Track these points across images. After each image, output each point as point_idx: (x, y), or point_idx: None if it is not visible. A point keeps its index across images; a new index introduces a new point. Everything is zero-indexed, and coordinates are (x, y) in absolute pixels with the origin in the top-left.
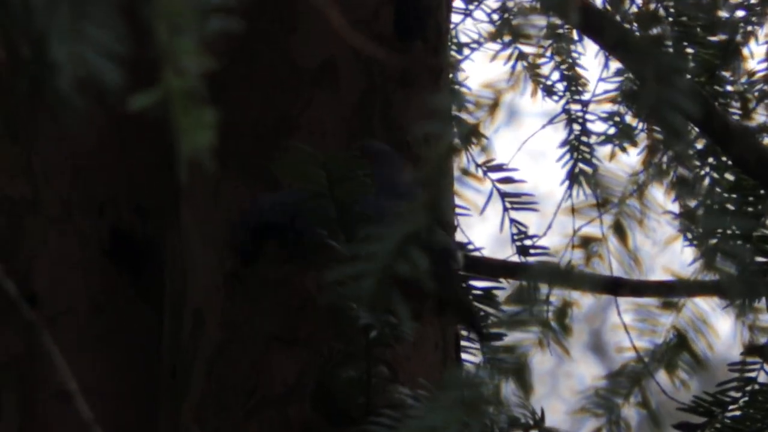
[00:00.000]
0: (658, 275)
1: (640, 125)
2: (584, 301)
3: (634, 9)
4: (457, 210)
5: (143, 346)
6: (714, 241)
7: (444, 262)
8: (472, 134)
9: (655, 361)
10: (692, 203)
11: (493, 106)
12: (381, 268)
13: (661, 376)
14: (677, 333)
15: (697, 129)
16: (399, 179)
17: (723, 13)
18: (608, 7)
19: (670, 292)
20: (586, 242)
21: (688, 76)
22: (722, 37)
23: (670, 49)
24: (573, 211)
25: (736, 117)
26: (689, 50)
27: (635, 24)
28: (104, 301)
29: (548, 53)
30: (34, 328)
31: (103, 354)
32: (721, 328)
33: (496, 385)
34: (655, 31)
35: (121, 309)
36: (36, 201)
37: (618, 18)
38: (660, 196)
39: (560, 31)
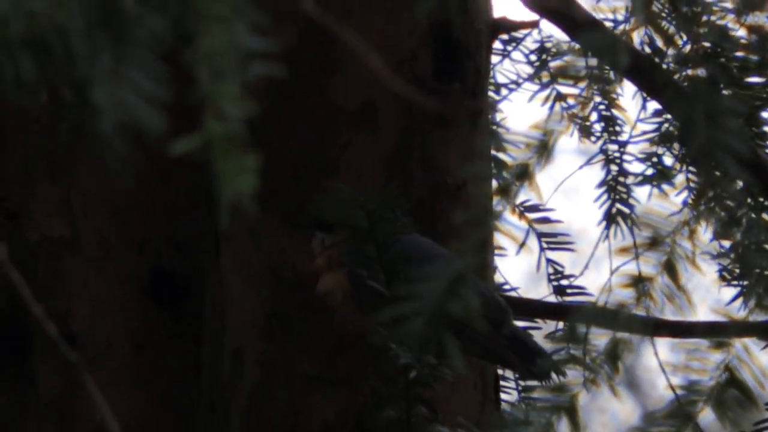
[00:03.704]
0: (698, 315)
1: (678, 166)
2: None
3: (675, 51)
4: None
5: (183, 384)
6: (756, 279)
7: (495, 306)
8: (521, 177)
9: (700, 399)
10: (733, 242)
11: (542, 148)
12: (432, 308)
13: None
14: (727, 370)
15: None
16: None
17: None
18: (649, 50)
19: (712, 332)
20: (635, 281)
21: (736, 117)
22: (763, 77)
23: (717, 90)
24: (612, 252)
25: None
26: (727, 91)
27: (677, 65)
28: (144, 340)
29: (588, 94)
30: (75, 367)
31: (142, 392)
32: (762, 366)
33: (549, 423)
34: (701, 71)
35: (161, 347)
36: (75, 240)
37: (661, 60)
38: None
39: (604, 73)
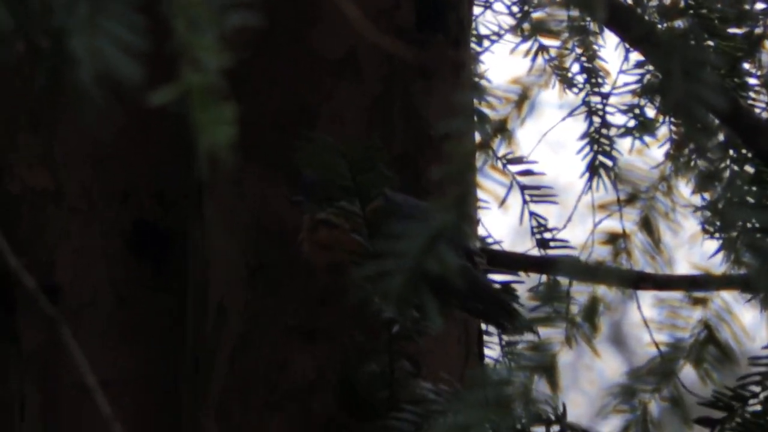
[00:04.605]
0: (682, 269)
1: (661, 118)
2: (605, 294)
3: (657, 1)
4: (479, 203)
5: (166, 337)
6: (736, 234)
7: (468, 260)
8: (498, 130)
9: (681, 356)
10: (713, 196)
11: (520, 102)
12: (411, 266)
13: (682, 370)
14: (705, 327)
15: (721, 122)
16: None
17: (745, 5)
18: (631, 1)
19: (695, 286)
20: (612, 238)
21: (713, 70)
22: (742, 29)
23: (695, 43)
24: (594, 207)
25: (758, 110)
26: (709, 42)
27: (658, 17)
28: (127, 292)
29: (569, 46)
30: (54, 320)
31: (126, 345)
32: (743, 321)
33: (525, 384)
34: (679, 24)
35: (144, 300)
36: (58, 192)
37: (642, 11)
38: (683, 189)
39: (583, 24)
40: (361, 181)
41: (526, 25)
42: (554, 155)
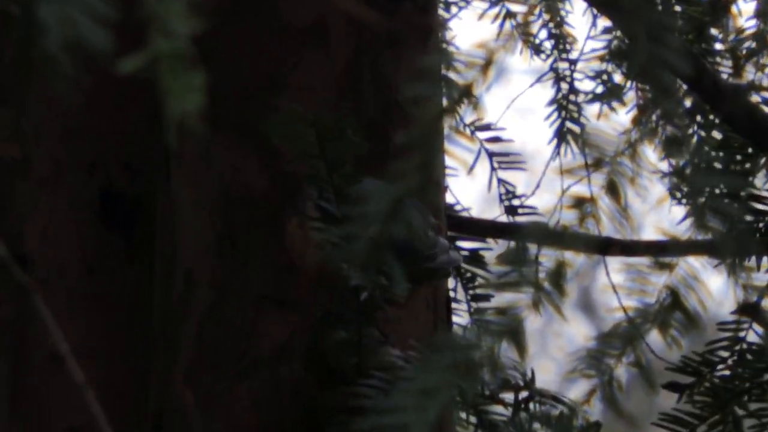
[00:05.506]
0: (649, 234)
1: (629, 84)
2: (573, 259)
3: None
4: (446, 170)
5: (135, 307)
6: (703, 199)
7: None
8: (464, 95)
9: (648, 321)
10: (680, 161)
11: (486, 67)
12: (374, 230)
13: (650, 335)
14: (671, 292)
15: (687, 87)
16: None
17: None
18: None
19: (661, 251)
20: (578, 203)
21: (678, 35)
22: None
23: (660, 7)
24: (561, 171)
25: (724, 75)
26: (677, 8)
27: None
28: (96, 262)
29: (536, 11)
30: (27, 290)
31: (94, 315)
32: (710, 287)
33: (491, 348)
34: None
35: (113, 270)
36: (26, 162)
37: None
38: (650, 154)
39: None
40: (330, 149)
41: None
42: (522, 121)
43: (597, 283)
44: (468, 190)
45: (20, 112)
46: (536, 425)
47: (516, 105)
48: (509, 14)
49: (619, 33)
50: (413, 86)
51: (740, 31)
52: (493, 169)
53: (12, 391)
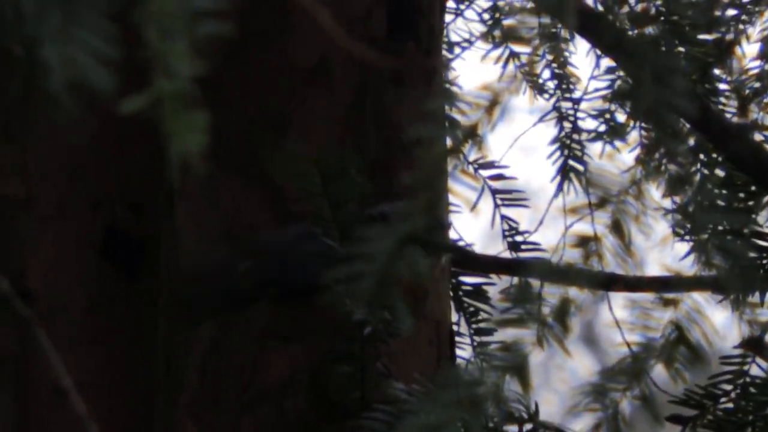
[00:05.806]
0: (653, 271)
1: (632, 123)
2: (577, 296)
3: (628, 9)
4: (450, 207)
5: (138, 343)
6: (707, 236)
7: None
8: (468, 136)
9: (652, 356)
10: (684, 199)
11: (490, 108)
12: (381, 268)
13: (654, 369)
14: (676, 327)
15: (691, 126)
16: None
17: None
18: (601, 8)
19: (664, 287)
20: (582, 241)
21: (683, 76)
22: (713, 35)
23: (665, 49)
24: (565, 210)
25: (729, 115)
26: (680, 49)
27: (629, 24)
28: (99, 299)
29: (540, 52)
30: (30, 324)
31: (98, 351)
32: (714, 322)
33: (496, 384)
34: (650, 31)
35: (116, 306)
36: (30, 200)
37: (612, 18)
38: (654, 192)
39: (554, 31)
40: (333, 189)
41: (497, 33)
42: (525, 160)
43: (601, 318)
44: (471, 226)
45: (25, 149)
46: None
47: (519, 143)
48: (513, 55)
49: (622, 73)
50: (418, 127)
51: (744, 71)
52: (496, 206)
53: (16, 424)
